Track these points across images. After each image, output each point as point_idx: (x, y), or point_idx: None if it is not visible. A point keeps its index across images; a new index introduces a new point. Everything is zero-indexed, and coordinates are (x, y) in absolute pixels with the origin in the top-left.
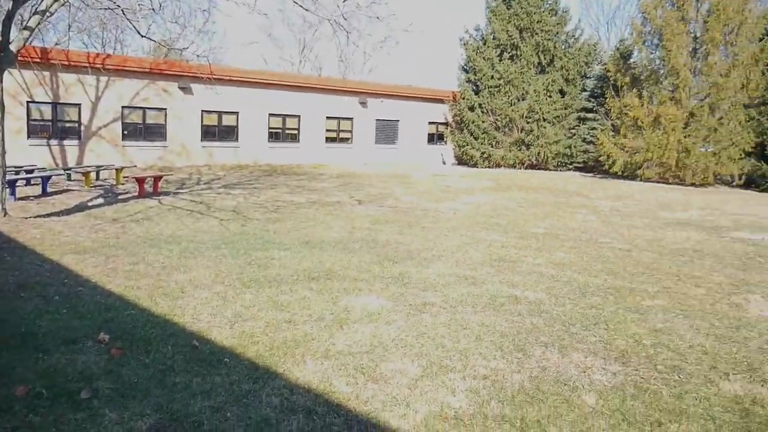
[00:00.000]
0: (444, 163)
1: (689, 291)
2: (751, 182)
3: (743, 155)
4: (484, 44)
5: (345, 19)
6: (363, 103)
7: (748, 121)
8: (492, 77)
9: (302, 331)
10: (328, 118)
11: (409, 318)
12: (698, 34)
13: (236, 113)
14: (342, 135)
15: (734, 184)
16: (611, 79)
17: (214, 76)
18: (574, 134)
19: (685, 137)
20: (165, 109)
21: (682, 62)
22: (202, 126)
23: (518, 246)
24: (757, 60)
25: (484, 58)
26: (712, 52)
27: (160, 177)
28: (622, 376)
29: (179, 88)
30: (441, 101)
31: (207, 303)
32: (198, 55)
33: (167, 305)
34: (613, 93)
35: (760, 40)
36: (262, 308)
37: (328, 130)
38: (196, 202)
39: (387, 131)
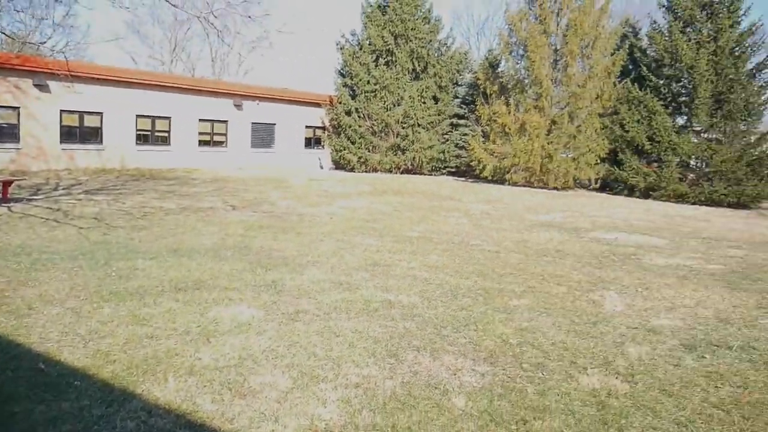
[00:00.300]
0: (321, 167)
1: (552, 290)
2: (605, 186)
3: (599, 161)
4: (360, 49)
5: (215, 17)
6: (238, 106)
7: (603, 129)
8: (368, 82)
9: (165, 346)
10: (201, 120)
11: (282, 327)
12: (558, 47)
13: (100, 114)
14: (216, 138)
15: (591, 187)
16: (481, 87)
17: (73, 74)
18: (448, 140)
19: (548, 143)
20: (18, 108)
21: (545, 73)
22: (62, 127)
23: (393, 250)
24: (609, 72)
25: (360, 63)
26: (570, 63)
27: (11, 182)
28: (491, 376)
29: (34, 85)
30: (318, 105)
31: (58, 320)
32: (56, 51)
33: (11, 324)
34: (482, 100)
35: (612, 54)
36: (121, 323)
37: (201, 133)
38: (52, 210)
39: (263, 135)
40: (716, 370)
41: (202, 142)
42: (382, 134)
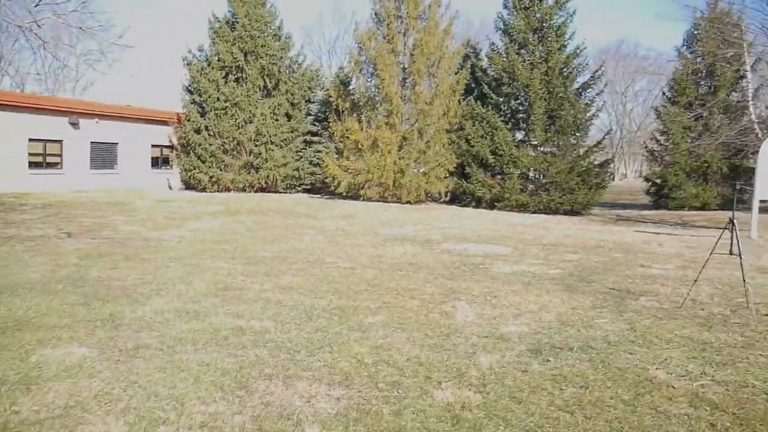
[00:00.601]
0: (171, 188)
1: (406, 304)
2: (455, 198)
3: (448, 174)
4: (209, 65)
5: (39, 26)
6: (74, 124)
7: (450, 144)
8: (218, 99)
9: None
10: (31, 140)
11: (119, 366)
12: (406, 66)
13: None
14: (50, 159)
15: (442, 200)
16: (333, 104)
17: None
18: (302, 157)
19: (399, 159)
20: None
21: (394, 90)
22: None
23: (245, 272)
24: (454, 90)
25: (209, 79)
26: (418, 82)
27: None
28: (346, 400)
29: None
30: (165, 123)
31: None
32: None
33: None
34: (335, 117)
35: (456, 73)
36: None
37: (31, 154)
38: None
39: (104, 155)
40: (560, 373)
41: (33, 164)
42: (234, 152)
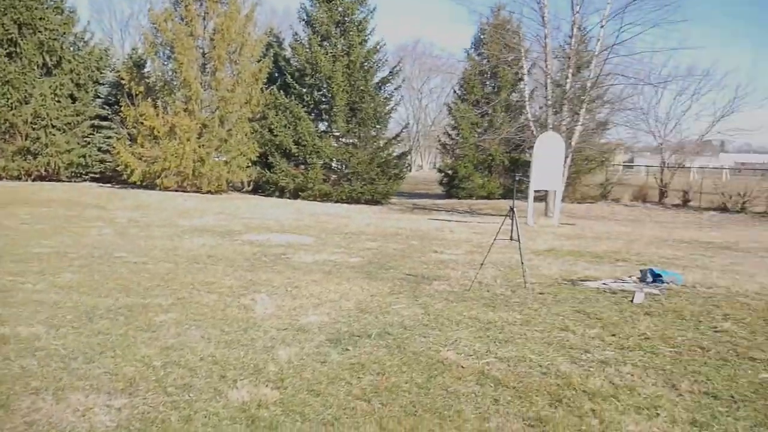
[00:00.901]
0: None
1: (202, 299)
2: (258, 188)
3: (250, 164)
4: None
5: None
6: None
7: (253, 133)
8: None
9: None
10: None
11: None
12: (207, 51)
13: None
14: None
15: (245, 190)
16: (126, 87)
17: None
18: (89, 143)
19: (199, 147)
20: None
21: (193, 76)
22: None
23: (15, 271)
24: (257, 79)
25: None
26: (219, 68)
27: None
28: (129, 409)
29: None
30: None
31: None
32: None
33: None
34: (128, 101)
35: (259, 61)
36: None
37: None
38: None
39: None
40: (358, 361)
41: None
42: (7, 136)
